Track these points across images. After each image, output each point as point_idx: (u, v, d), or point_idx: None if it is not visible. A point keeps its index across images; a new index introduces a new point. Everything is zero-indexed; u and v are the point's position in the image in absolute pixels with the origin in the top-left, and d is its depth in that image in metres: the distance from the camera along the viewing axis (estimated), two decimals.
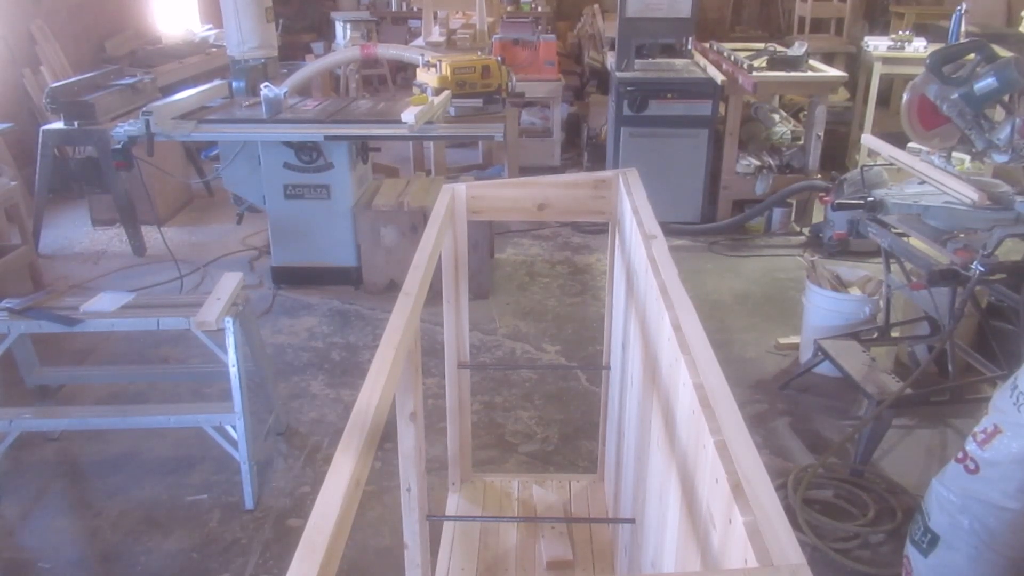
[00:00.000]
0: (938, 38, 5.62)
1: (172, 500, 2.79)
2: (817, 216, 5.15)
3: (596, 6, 8.40)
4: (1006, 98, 2.85)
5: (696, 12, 5.15)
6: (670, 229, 4.76)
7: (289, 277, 4.45)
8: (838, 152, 6.22)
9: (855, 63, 6.64)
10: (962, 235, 2.74)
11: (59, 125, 4.65)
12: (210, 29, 8.11)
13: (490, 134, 4.14)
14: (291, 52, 8.18)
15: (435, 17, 7.03)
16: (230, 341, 2.63)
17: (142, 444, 3.08)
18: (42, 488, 2.86)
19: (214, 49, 7.47)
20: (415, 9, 9.15)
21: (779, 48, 5.57)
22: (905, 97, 3.09)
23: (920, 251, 2.85)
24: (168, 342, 3.80)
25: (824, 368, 3.36)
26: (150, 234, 5.03)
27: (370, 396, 1.18)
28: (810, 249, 4.97)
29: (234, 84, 4.78)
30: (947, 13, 6.22)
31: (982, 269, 2.58)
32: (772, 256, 4.95)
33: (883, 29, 7.47)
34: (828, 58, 6.65)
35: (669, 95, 5.03)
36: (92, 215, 5.41)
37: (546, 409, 3.32)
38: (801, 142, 5.35)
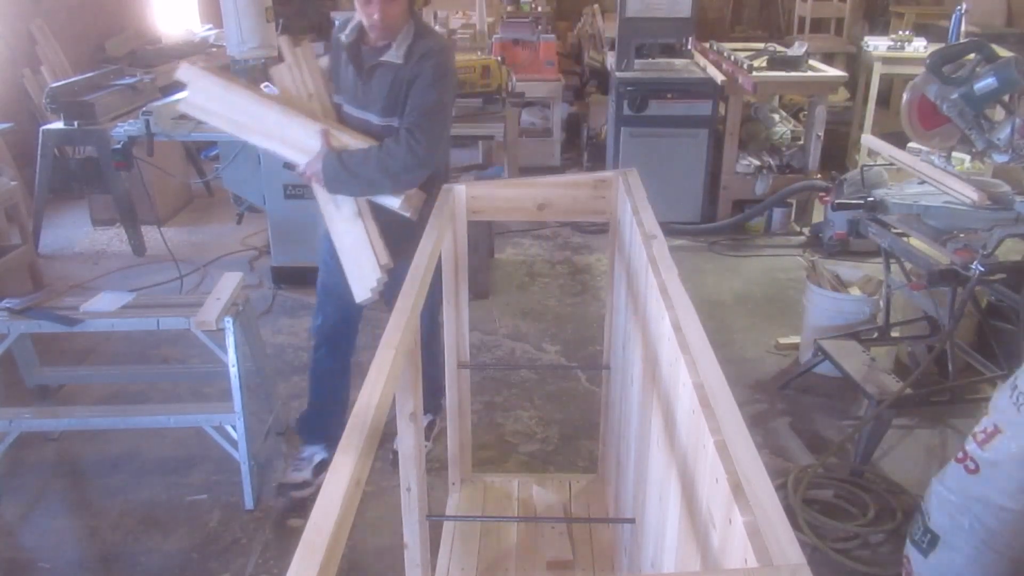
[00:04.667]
0: (938, 38, 5.61)
1: (172, 500, 2.79)
2: (817, 216, 5.15)
3: (596, 6, 8.39)
4: (1006, 98, 2.86)
5: (696, 12, 5.14)
6: (670, 229, 4.75)
7: (289, 277, 4.44)
8: (838, 152, 6.21)
9: (855, 63, 6.64)
10: (962, 235, 2.74)
11: (59, 125, 4.64)
12: (210, 29, 8.10)
13: (490, 134, 4.13)
14: None
15: (435, 17, 7.03)
16: (230, 341, 2.63)
17: (142, 444, 3.08)
18: (42, 488, 2.86)
19: (214, 49, 7.46)
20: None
21: (779, 48, 5.57)
22: (905, 97, 3.09)
23: (920, 251, 2.85)
24: (168, 342, 3.80)
25: (824, 368, 3.36)
26: (150, 234, 5.02)
27: (370, 396, 1.18)
28: (810, 249, 4.97)
29: None
30: (947, 13, 6.22)
31: (982, 269, 2.58)
32: (772, 256, 4.94)
33: (883, 29, 7.46)
34: (828, 58, 6.65)
35: (669, 95, 5.02)
36: (92, 215, 5.41)
37: (546, 409, 3.32)
38: (801, 142, 5.34)
